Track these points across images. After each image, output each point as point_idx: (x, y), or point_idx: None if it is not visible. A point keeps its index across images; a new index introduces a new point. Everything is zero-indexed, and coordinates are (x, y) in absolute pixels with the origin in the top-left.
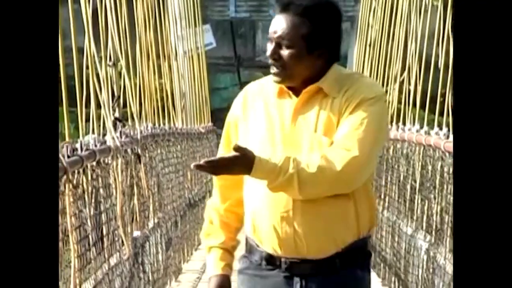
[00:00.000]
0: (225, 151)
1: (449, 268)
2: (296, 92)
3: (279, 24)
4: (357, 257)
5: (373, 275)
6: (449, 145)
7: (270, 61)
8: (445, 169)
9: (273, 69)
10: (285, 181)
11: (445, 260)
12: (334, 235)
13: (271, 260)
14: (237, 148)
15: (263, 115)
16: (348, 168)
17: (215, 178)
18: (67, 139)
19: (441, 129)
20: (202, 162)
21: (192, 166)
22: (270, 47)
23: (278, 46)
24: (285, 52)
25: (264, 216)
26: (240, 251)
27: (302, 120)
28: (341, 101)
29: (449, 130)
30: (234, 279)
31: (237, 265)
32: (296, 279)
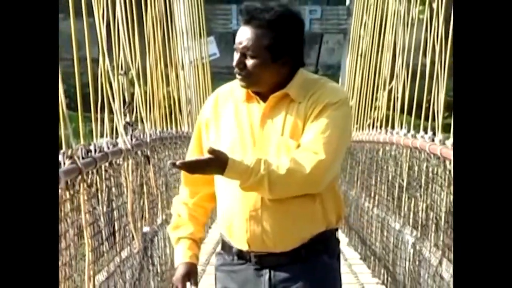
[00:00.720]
0: (194, 151)
1: (434, 261)
2: (264, 97)
3: (244, 35)
4: (323, 245)
5: (364, 267)
6: (434, 147)
7: (235, 69)
8: (430, 170)
9: (239, 77)
10: (256, 182)
11: (430, 254)
12: (300, 232)
13: (241, 255)
14: (211, 151)
15: (233, 118)
16: (316, 170)
17: (183, 175)
18: (82, 141)
19: (426, 132)
20: (178, 162)
21: (168, 163)
22: (236, 56)
23: (243, 56)
24: (249, 62)
25: (235, 214)
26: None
27: (270, 124)
28: (306, 105)
29: (434, 134)
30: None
31: (214, 261)
32: (265, 271)
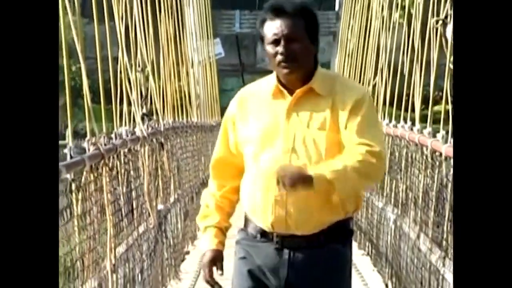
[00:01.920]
0: (222, 144)
1: (412, 235)
2: (290, 92)
3: (282, 25)
4: (339, 234)
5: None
6: (413, 136)
7: (279, 58)
8: (409, 155)
9: (285, 64)
10: (341, 188)
11: (409, 229)
12: (321, 217)
13: (265, 234)
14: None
15: (260, 113)
16: (379, 162)
17: (212, 169)
18: (104, 130)
19: (406, 122)
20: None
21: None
22: (280, 47)
23: (288, 42)
24: (295, 46)
25: (262, 199)
26: (236, 225)
27: (296, 117)
28: (334, 100)
29: (413, 124)
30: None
31: (235, 236)
32: (286, 251)
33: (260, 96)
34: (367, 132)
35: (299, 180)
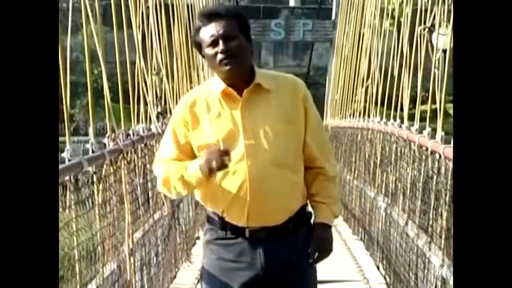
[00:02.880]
0: (173, 145)
1: (401, 222)
2: (239, 92)
3: (218, 26)
4: (303, 218)
5: (346, 227)
6: (401, 132)
7: (220, 56)
8: (398, 150)
9: (226, 61)
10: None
11: (398, 216)
12: (290, 206)
13: (235, 230)
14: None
15: (213, 118)
16: (337, 167)
17: (159, 164)
18: (122, 127)
19: (395, 120)
20: None
21: None
22: (218, 46)
23: (226, 40)
24: (233, 43)
25: (235, 198)
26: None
27: (251, 113)
28: (284, 93)
29: (402, 121)
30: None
31: (203, 238)
32: (259, 243)
33: (209, 101)
34: (323, 139)
35: (330, 247)
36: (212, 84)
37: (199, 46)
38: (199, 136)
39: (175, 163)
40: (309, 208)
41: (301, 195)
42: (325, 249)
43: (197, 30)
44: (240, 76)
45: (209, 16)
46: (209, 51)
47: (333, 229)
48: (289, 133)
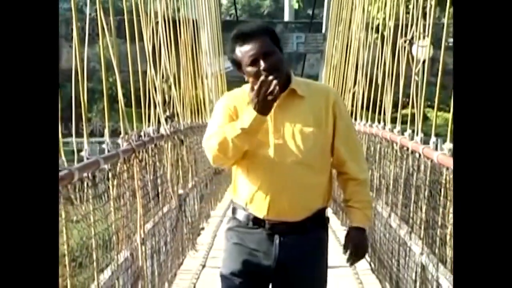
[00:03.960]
0: (222, 120)
1: (385, 214)
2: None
3: (256, 45)
4: (320, 221)
5: (335, 219)
6: (385, 134)
7: (264, 74)
8: (382, 149)
9: (273, 77)
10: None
11: (382, 209)
12: (309, 206)
13: (256, 221)
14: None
15: None
16: (366, 167)
17: (210, 138)
18: (135, 129)
19: (379, 123)
20: None
21: None
22: (261, 64)
23: (266, 57)
24: (272, 59)
25: (260, 191)
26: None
27: (283, 117)
28: (316, 99)
29: (385, 124)
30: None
31: (225, 224)
32: (276, 236)
33: (246, 101)
34: (355, 142)
35: (366, 249)
36: (248, 90)
37: (238, 65)
38: None
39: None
40: (328, 213)
41: (322, 197)
42: (361, 251)
43: (233, 50)
44: (280, 85)
45: (243, 36)
46: (250, 69)
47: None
48: (317, 136)
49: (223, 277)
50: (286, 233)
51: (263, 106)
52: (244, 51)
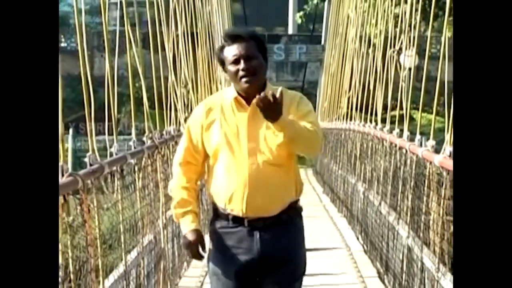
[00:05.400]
0: (188, 145)
1: (376, 202)
2: (248, 102)
3: (241, 47)
4: (295, 210)
5: (332, 206)
6: (376, 132)
7: (241, 73)
8: (373, 146)
9: (246, 79)
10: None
11: (373, 198)
12: (282, 200)
13: (236, 220)
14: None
15: (224, 121)
16: (320, 140)
17: (179, 166)
18: (158, 128)
19: (371, 123)
20: None
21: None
22: (241, 64)
23: (247, 60)
24: (253, 63)
25: (236, 192)
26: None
27: (257, 121)
28: (284, 105)
29: (376, 124)
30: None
31: (209, 227)
32: (256, 232)
33: (223, 106)
34: (314, 122)
35: (273, 107)
36: (227, 92)
37: (222, 62)
38: (210, 135)
39: (187, 191)
40: (300, 204)
41: (292, 190)
42: (270, 110)
43: (221, 49)
44: (253, 90)
45: (233, 37)
46: (231, 68)
47: (321, 208)
48: None
49: (212, 277)
50: (264, 227)
51: (268, 116)
52: (229, 50)
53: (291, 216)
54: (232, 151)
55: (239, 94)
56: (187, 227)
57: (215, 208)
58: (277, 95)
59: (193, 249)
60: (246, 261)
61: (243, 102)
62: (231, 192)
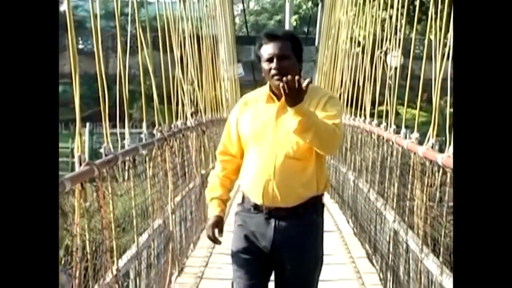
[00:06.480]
0: (226, 137)
1: (365, 189)
2: (279, 98)
3: (277, 46)
4: (313, 206)
5: (326, 194)
6: (365, 126)
7: (273, 72)
8: (363, 138)
9: (277, 77)
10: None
11: (362, 185)
12: (300, 193)
13: (256, 207)
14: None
15: (257, 114)
16: (340, 137)
17: (218, 155)
18: (167, 122)
19: (360, 117)
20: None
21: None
22: (274, 63)
23: (279, 60)
24: (285, 63)
25: (257, 181)
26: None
27: (284, 117)
28: (311, 103)
29: (365, 118)
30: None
31: (235, 209)
32: (272, 220)
33: (258, 101)
34: (336, 122)
35: (294, 92)
36: (263, 89)
37: (259, 59)
38: (244, 127)
39: (219, 179)
40: (323, 200)
41: (314, 186)
42: (291, 94)
43: (260, 46)
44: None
45: (270, 36)
46: (265, 65)
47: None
48: None
49: (232, 254)
50: (281, 218)
51: (288, 100)
52: (265, 48)
53: (309, 211)
54: (259, 143)
55: (271, 90)
56: (211, 212)
57: (242, 194)
58: (304, 84)
59: (209, 232)
60: (260, 246)
61: (274, 97)
62: (253, 181)
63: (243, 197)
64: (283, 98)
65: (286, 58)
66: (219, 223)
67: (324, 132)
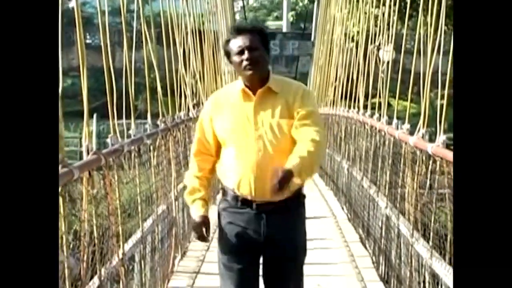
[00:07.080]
0: (200, 137)
1: (359, 177)
2: (253, 92)
3: (245, 39)
4: (298, 199)
5: (321, 181)
6: (358, 117)
7: (245, 63)
8: (356, 129)
9: (249, 67)
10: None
11: (356, 174)
12: (287, 188)
13: (245, 202)
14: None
15: (233, 111)
16: (324, 139)
17: (194, 157)
18: (170, 113)
19: (354, 109)
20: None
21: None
22: (245, 54)
23: (250, 51)
24: (255, 53)
25: (245, 175)
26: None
27: (262, 110)
28: (288, 95)
29: (358, 110)
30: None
31: (218, 206)
32: (263, 215)
33: (231, 97)
34: (314, 118)
35: (286, 180)
36: (234, 85)
37: (228, 54)
38: (220, 125)
39: (199, 180)
40: (303, 191)
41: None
42: (281, 183)
43: (227, 41)
44: (258, 80)
45: (238, 30)
46: (236, 58)
47: (311, 182)
48: (289, 126)
49: (221, 252)
50: (271, 212)
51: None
52: (234, 42)
53: (296, 203)
54: (241, 138)
55: (245, 85)
56: (195, 213)
57: (224, 190)
58: (279, 173)
59: (198, 231)
60: (252, 241)
61: (249, 92)
62: (240, 176)
63: (226, 193)
64: (258, 92)
65: (256, 49)
66: (206, 222)
67: (316, 159)
